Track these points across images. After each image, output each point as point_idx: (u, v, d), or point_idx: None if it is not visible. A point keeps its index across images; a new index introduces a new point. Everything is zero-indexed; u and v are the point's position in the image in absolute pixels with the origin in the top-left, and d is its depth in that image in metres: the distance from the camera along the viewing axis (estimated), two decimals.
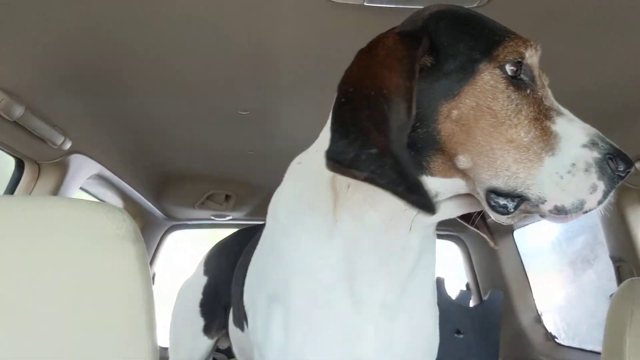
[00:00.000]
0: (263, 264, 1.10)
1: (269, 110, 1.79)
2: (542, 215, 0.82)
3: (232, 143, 2.16)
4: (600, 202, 0.79)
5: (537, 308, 3.08)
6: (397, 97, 0.76)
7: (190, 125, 1.95)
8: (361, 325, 0.95)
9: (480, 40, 0.82)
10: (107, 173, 2.16)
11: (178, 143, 2.19)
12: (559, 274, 3.14)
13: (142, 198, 2.63)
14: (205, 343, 1.69)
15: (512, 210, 0.80)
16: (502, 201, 0.80)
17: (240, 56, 1.41)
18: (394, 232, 0.91)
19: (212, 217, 3.06)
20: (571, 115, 0.84)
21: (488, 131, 0.79)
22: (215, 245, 1.87)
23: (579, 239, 2.91)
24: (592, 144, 0.79)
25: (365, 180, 0.72)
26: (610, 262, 2.25)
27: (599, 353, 2.58)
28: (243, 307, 1.22)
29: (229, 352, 2.37)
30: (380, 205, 0.89)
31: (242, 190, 2.74)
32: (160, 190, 2.74)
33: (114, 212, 0.80)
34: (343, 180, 0.92)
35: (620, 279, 2.16)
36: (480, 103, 0.79)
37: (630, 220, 2.04)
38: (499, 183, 0.79)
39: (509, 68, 0.80)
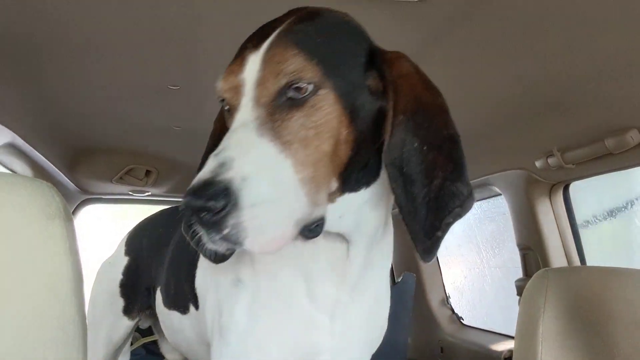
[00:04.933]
0: None
1: (199, 85, 1.75)
2: None
3: (158, 117, 2.09)
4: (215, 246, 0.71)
5: (446, 290, 3.23)
6: None
7: (114, 97, 1.87)
8: (317, 317, 1.00)
9: None
10: (20, 142, 2.03)
11: (99, 113, 2.08)
12: (468, 258, 3.29)
13: (55, 169, 2.49)
14: (126, 323, 1.65)
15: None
16: None
17: (171, 28, 1.36)
18: (333, 244, 0.96)
19: (130, 193, 2.96)
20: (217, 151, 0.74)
21: None
22: (137, 226, 1.81)
23: (490, 226, 3.07)
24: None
25: None
26: (516, 250, 2.40)
27: (501, 334, 2.76)
28: (194, 289, 1.23)
29: (149, 332, 2.32)
30: None
31: (164, 166, 2.66)
32: (75, 163, 2.60)
33: (43, 187, 0.74)
34: None
35: (525, 267, 2.31)
36: None
37: (538, 212, 2.17)
38: None
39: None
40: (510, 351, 2.49)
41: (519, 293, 2.31)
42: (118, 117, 2.13)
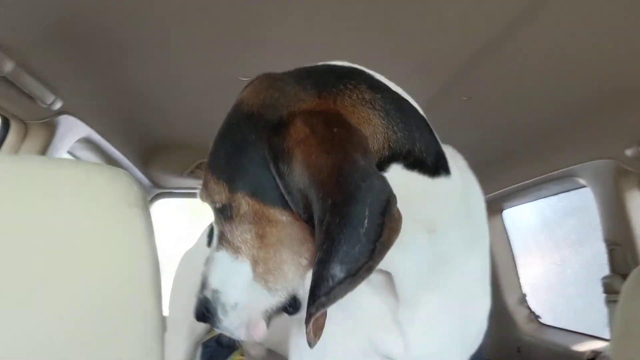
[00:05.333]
0: None
1: None
2: None
3: (226, 111, 2.09)
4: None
5: (522, 288, 3.10)
6: None
7: (186, 91, 1.88)
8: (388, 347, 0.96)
9: None
10: (96, 137, 2.08)
11: (171, 108, 2.11)
12: (547, 254, 3.15)
13: (129, 163, 2.55)
14: None
15: None
16: None
17: (243, 21, 1.34)
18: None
19: (199, 186, 2.99)
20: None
21: None
22: None
23: (570, 221, 2.92)
24: None
25: None
26: (599, 245, 2.25)
27: (583, 334, 2.63)
28: None
29: None
30: None
31: None
32: (148, 157, 2.66)
33: (122, 176, 0.73)
34: None
35: (613, 263, 2.16)
36: None
37: (627, 205, 2.03)
38: None
39: None
40: (594, 352, 2.35)
41: (607, 291, 2.16)
42: (190, 111, 2.14)
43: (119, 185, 0.72)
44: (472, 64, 1.57)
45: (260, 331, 0.84)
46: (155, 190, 3.13)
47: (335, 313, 0.95)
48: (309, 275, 0.78)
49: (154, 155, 2.66)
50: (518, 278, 3.13)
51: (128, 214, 0.70)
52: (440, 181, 0.82)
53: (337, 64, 0.86)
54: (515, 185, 2.68)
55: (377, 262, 0.65)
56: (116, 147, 2.23)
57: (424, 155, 0.80)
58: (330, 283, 0.65)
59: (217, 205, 0.81)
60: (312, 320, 0.68)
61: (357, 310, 0.95)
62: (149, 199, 3.14)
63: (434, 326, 0.92)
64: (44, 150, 1.75)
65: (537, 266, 3.20)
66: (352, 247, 0.64)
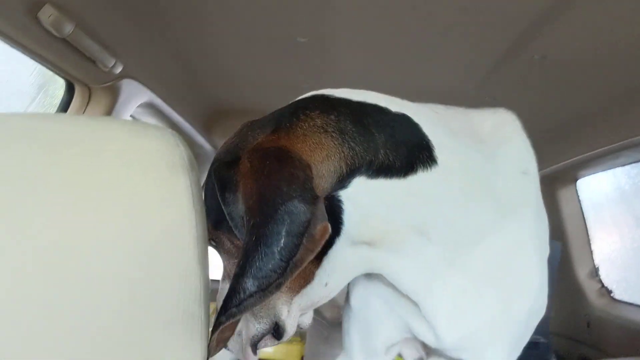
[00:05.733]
0: None
1: (328, 37, 1.67)
2: None
3: (285, 74, 2.06)
4: None
5: (595, 261, 2.95)
6: None
7: (243, 54, 1.86)
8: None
9: None
10: (158, 101, 2.09)
11: (230, 73, 2.10)
12: (622, 227, 2.98)
13: (193, 130, 2.57)
14: None
15: None
16: None
17: None
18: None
19: None
20: None
21: None
22: None
23: None
24: None
25: None
26: None
27: None
28: None
29: None
30: None
31: None
32: (210, 123, 2.67)
33: (167, 136, 0.72)
34: None
35: None
36: None
37: None
38: None
39: None
40: None
41: None
42: (249, 75, 2.13)
43: (161, 145, 0.70)
44: (545, 18, 1.46)
45: (250, 355, 0.89)
46: None
47: (374, 298, 1.01)
48: (293, 301, 0.86)
49: (215, 121, 2.68)
50: (590, 251, 2.98)
51: (170, 174, 0.68)
52: (417, 178, 0.81)
53: (305, 96, 0.88)
54: (590, 153, 2.53)
55: (288, 279, 0.70)
56: (178, 112, 2.24)
57: (391, 158, 0.80)
58: (242, 295, 0.69)
59: (212, 243, 0.89)
60: (220, 329, 0.71)
61: (391, 297, 0.97)
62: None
63: (462, 311, 0.90)
64: (107, 114, 1.78)
65: (610, 239, 3.04)
66: (265, 264, 0.69)
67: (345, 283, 0.90)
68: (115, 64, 1.61)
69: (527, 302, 0.95)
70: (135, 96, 1.91)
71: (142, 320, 0.65)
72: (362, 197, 0.77)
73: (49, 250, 0.64)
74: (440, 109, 0.98)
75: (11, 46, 1.37)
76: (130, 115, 2.09)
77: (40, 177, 0.64)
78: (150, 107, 2.13)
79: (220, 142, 2.88)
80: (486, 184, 0.89)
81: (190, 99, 2.31)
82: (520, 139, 0.99)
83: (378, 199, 0.79)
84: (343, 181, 0.78)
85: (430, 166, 0.82)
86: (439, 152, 0.83)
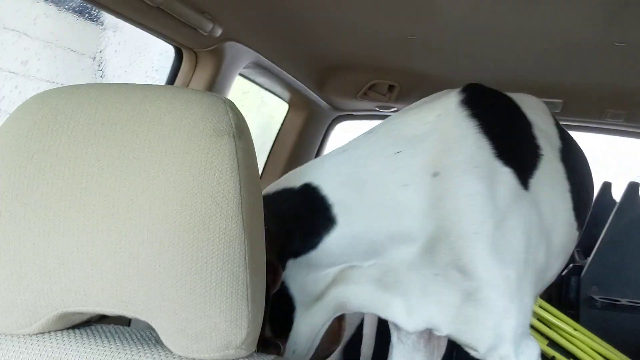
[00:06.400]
0: None
1: None
2: None
3: (391, 27, 1.97)
4: None
5: None
6: None
7: (351, 5, 1.79)
8: None
9: None
10: (265, 61, 2.12)
11: (337, 27, 2.05)
12: None
13: (305, 87, 2.58)
14: None
15: None
16: None
17: None
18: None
19: (377, 109, 2.95)
20: None
21: None
22: None
23: None
24: None
25: None
26: None
27: None
28: None
29: None
30: None
31: (406, 80, 2.55)
32: (322, 80, 2.66)
33: (217, 103, 0.72)
34: None
35: None
36: None
37: None
38: None
39: None
40: None
41: None
42: (357, 28, 2.07)
43: (209, 112, 0.72)
44: None
45: None
46: (334, 113, 3.16)
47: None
48: None
49: (327, 78, 2.66)
50: None
51: (217, 141, 0.69)
52: (325, 244, 0.98)
53: None
54: None
55: None
56: (288, 71, 2.25)
57: (300, 237, 0.97)
58: None
59: None
60: None
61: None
62: (329, 122, 3.18)
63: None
64: (214, 77, 1.84)
65: None
66: None
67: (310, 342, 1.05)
68: (213, 27, 1.64)
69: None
70: (240, 58, 1.95)
71: (193, 280, 0.68)
72: (294, 276, 0.97)
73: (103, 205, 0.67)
74: (354, 144, 1.08)
75: (116, 17, 1.45)
76: (240, 74, 2.14)
77: (104, 146, 0.68)
78: (258, 67, 2.17)
79: (335, 98, 2.88)
80: (392, 205, 1.01)
81: (297, 56, 2.30)
82: (444, 133, 1.03)
83: (305, 275, 0.98)
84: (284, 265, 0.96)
85: (332, 228, 0.97)
86: (338, 209, 0.96)
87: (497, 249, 0.98)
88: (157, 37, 1.65)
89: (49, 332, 0.75)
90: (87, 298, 0.72)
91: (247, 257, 0.68)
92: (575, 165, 1.31)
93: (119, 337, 0.77)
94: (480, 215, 0.98)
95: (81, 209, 0.69)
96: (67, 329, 0.77)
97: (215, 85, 1.87)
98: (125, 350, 0.73)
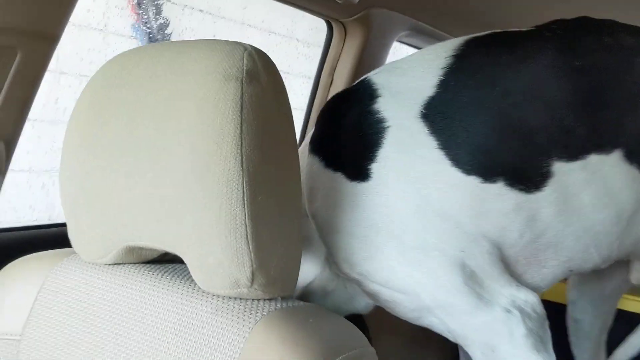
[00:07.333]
0: None
1: None
2: None
3: None
4: None
5: None
6: None
7: None
8: None
9: None
10: (426, 28, 2.04)
11: None
12: None
13: None
14: None
15: None
16: None
17: None
18: None
19: None
20: None
21: None
22: None
23: None
24: None
25: None
26: None
27: None
28: None
29: None
30: None
31: None
32: None
33: (236, 50, 0.75)
34: None
35: None
36: None
37: None
38: None
39: None
40: None
41: None
42: None
43: (222, 58, 0.76)
44: None
45: None
46: None
47: None
48: None
49: None
50: None
51: (223, 86, 0.72)
52: None
53: None
54: None
55: None
56: (446, 32, 2.13)
57: None
58: None
59: None
60: None
61: None
62: None
63: None
64: (363, 47, 1.84)
65: None
66: None
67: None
68: None
69: None
70: (392, 25, 1.91)
71: (201, 218, 0.72)
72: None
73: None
74: None
75: None
76: (403, 42, 2.09)
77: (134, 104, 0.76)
78: (421, 33, 2.09)
79: None
80: None
81: (455, 16, 2.15)
82: None
83: None
84: None
85: None
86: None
87: None
88: (304, 10, 1.71)
89: (122, 263, 0.86)
90: (140, 234, 0.81)
91: (246, 198, 0.69)
92: None
93: (176, 274, 0.84)
94: None
95: (133, 153, 0.78)
96: (138, 263, 0.87)
97: (365, 54, 1.87)
98: (174, 284, 0.80)
